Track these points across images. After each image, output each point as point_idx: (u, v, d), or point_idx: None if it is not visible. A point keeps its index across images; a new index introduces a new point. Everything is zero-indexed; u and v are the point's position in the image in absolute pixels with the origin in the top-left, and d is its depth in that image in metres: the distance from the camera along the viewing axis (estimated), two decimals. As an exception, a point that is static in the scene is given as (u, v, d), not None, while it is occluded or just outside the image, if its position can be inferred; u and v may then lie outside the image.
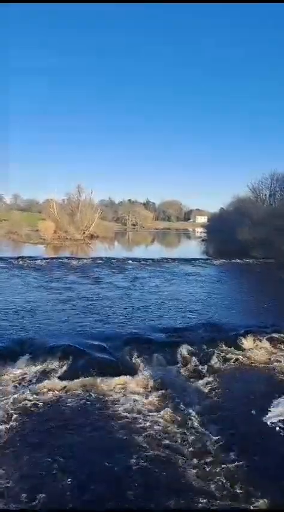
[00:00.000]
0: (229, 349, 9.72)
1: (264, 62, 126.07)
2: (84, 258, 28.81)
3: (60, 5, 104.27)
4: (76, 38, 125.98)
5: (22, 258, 26.85)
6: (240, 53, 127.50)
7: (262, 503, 4.59)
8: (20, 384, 7.51)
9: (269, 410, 6.85)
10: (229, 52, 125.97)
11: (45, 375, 7.89)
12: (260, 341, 10.24)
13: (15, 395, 6.95)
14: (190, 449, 5.64)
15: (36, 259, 26.65)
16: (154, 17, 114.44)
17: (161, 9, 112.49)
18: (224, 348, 9.72)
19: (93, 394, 7.22)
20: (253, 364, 9.13)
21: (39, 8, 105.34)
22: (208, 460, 5.40)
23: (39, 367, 8.15)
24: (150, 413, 6.59)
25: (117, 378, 7.86)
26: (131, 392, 7.38)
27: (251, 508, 4.53)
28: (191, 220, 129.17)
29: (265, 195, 43.09)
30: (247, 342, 10.12)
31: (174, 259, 29.79)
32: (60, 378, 7.77)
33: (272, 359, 9.44)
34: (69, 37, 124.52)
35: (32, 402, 6.80)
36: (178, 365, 8.78)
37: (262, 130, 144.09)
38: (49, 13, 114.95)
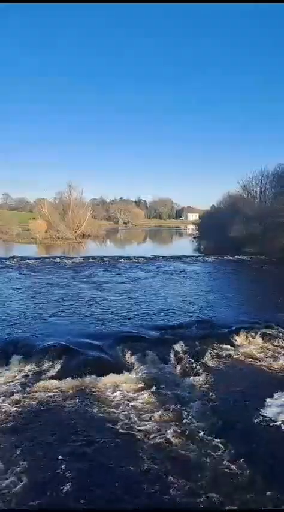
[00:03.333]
0: (222, 345, 9.77)
1: (260, 61, 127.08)
2: (76, 257, 28.68)
3: (60, 5, 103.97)
4: (75, 37, 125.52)
5: (14, 257, 26.62)
6: (237, 52, 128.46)
7: (262, 502, 4.63)
8: (13, 384, 7.45)
9: (264, 406, 6.90)
10: (225, 51, 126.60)
11: (38, 374, 7.85)
12: (252, 337, 10.32)
13: (9, 396, 6.92)
14: (186, 446, 5.66)
15: (28, 259, 26.45)
16: (154, 17, 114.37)
17: (161, 9, 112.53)
18: (218, 344, 9.78)
19: (87, 393, 7.21)
20: (246, 360, 9.19)
21: (39, 8, 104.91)
22: (204, 457, 5.42)
23: (32, 367, 8.10)
24: (144, 411, 6.61)
25: (111, 376, 7.86)
26: (125, 390, 7.39)
27: (252, 507, 4.55)
28: (182, 217, 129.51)
29: (256, 192, 43.31)
30: (240, 338, 10.20)
31: (166, 257, 29.83)
32: (54, 378, 7.74)
33: (264, 355, 9.51)
34: (67, 37, 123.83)
35: (26, 402, 6.77)
36: (172, 362, 8.80)
37: (254, 129, 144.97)
38: (49, 13, 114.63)
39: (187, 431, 6.03)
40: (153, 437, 5.84)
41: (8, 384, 7.46)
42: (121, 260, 27.32)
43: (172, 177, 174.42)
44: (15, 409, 6.57)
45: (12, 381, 7.58)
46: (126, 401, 6.92)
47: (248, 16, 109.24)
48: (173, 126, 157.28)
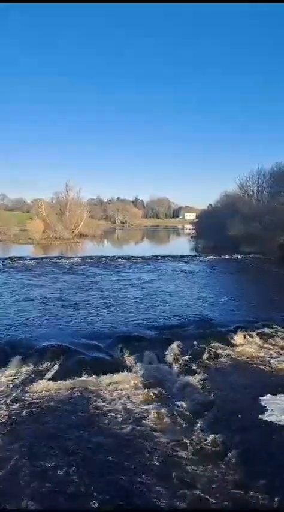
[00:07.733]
0: (220, 345, 9.79)
1: (260, 61, 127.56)
2: (73, 257, 28.67)
3: (60, 5, 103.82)
4: (75, 37, 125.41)
5: (11, 258, 26.58)
6: (237, 52, 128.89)
7: (260, 501, 4.63)
8: (11, 385, 7.44)
9: (261, 405, 6.94)
10: (225, 51, 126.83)
11: (36, 375, 7.85)
12: (251, 336, 10.32)
13: (8, 397, 6.91)
14: (184, 445, 5.66)
15: (26, 260, 26.41)
16: (154, 17, 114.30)
17: (161, 9, 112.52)
18: (216, 344, 9.79)
19: (85, 393, 7.21)
20: (244, 360, 9.20)
21: (39, 8, 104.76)
22: (201, 456, 5.44)
23: (30, 368, 8.11)
24: (143, 411, 6.61)
25: (109, 376, 7.87)
26: (123, 390, 7.39)
27: (251, 507, 4.55)
28: (180, 217, 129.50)
29: (252, 191, 43.37)
30: (238, 338, 10.20)
31: (163, 257, 29.83)
32: (52, 378, 7.73)
33: (263, 354, 9.53)
34: (67, 37, 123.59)
35: (25, 403, 6.75)
36: (170, 362, 8.79)
37: (254, 129, 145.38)
38: (49, 13, 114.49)
39: (186, 431, 6.04)
40: (151, 436, 5.84)
41: (6, 385, 7.44)
42: (119, 260, 27.32)
43: (171, 177, 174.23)
44: (13, 409, 6.55)
45: (10, 382, 7.57)
46: (124, 401, 6.92)
47: (248, 16, 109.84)
48: (173, 126, 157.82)
